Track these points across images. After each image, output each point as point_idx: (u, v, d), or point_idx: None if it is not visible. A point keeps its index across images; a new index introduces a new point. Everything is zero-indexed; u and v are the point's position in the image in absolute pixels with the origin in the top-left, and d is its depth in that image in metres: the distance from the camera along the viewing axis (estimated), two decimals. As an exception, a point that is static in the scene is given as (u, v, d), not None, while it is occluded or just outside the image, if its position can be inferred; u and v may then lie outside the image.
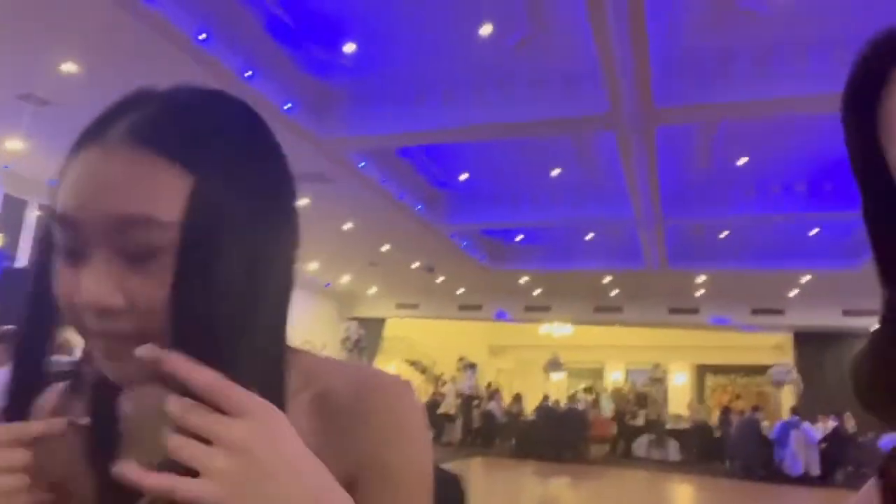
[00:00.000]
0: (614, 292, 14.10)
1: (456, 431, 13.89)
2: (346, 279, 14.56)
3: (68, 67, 5.85)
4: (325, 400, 0.55)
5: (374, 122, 6.88)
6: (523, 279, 13.63)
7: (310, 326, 14.01)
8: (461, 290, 14.92)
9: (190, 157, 0.48)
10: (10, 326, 5.26)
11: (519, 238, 12.10)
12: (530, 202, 9.74)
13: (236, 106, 0.54)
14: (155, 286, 0.47)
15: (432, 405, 14.06)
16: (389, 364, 16.26)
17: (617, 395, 15.60)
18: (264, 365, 0.49)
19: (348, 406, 0.55)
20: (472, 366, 15.22)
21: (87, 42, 5.52)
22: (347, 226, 10.29)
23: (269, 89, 6.18)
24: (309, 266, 13.21)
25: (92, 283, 0.47)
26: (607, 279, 13.19)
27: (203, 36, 5.35)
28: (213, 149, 0.50)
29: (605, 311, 14.85)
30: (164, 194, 0.47)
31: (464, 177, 9.47)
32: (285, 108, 6.45)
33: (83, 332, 0.50)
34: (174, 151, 0.48)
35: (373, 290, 15.50)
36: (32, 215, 9.31)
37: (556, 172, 8.95)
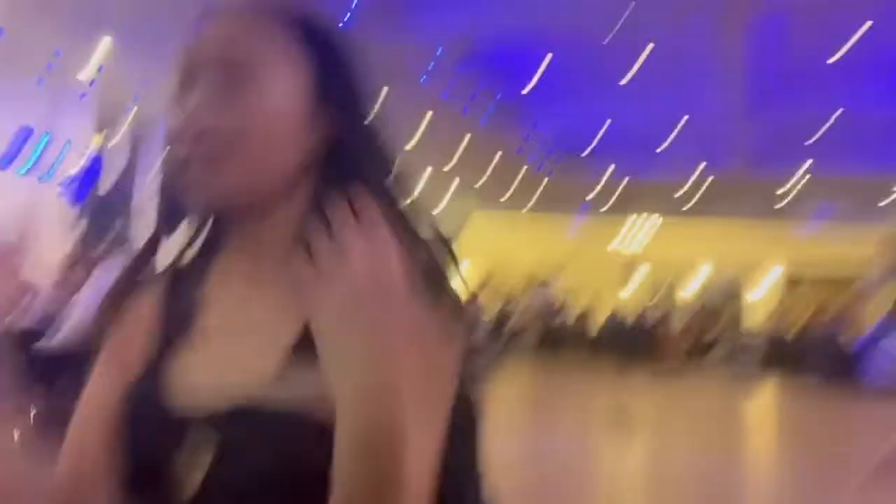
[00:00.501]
0: (699, 194, 13.34)
1: (524, 345, 14.09)
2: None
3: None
4: None
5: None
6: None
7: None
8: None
9: (293, 26, 0.63)
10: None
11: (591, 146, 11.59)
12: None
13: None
14: (249, 114, 0.60)
15: (500, 320, 14.24)
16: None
17: (692, 306, 15.29)
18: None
19: None
20: (546, 284, 15.15)
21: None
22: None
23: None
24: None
25: (193, 104, 0.60)
26: (692, 180, 12.48)
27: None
28: (311, 27, 0.64)
29: (690, 213, 14.16)
30: (266, 43, 0.62)
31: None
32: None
33: (181, 161, 0.61)
34: (280, 20, 0.63)
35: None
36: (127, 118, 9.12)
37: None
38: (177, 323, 0.64)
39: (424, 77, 7.86)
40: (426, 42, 6.87)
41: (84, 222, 7.50)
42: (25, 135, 7.45)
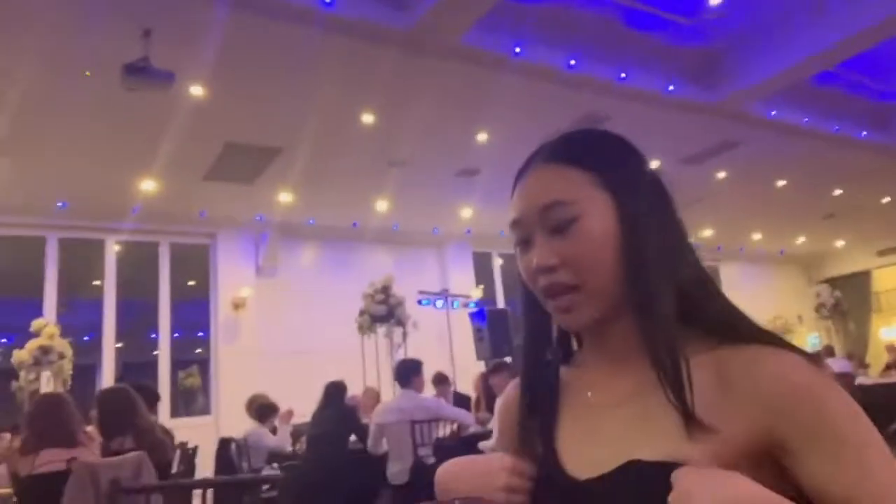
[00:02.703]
0: None
1: None
2: (800, 240, 12.84)
3: (482, 138, 6.71)
4: (723, 363, 0.66)
5: (771, 60, 6.02)
6: None
7: (777, 298, 12.72)
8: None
9: (584, 161, 0.74)
10: (505, 359, 6.25)
11: None
12: None
13: (605, 133, 0.79)
14: (576, 246, 0.70)
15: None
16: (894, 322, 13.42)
17: None
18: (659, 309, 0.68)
19: (740, 371, 0.65)
20: None
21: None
22: (781, 183, 9.11)
23: (646, 81, 6.04)
24: (753, 237, 12.09)
25: (536, 254, 0.72)
26: None
27: (573, 62, 5.60)
28: (596, 155, 0.75)
29: None
30: (571, 185, 0.72)
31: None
32: (668, 90, 6.19)
33: (542, 295, 0.74)
34: (573, 160, 0.74)
35: (840, 243, 13.28)
36: (497, 263, 10.91)
37: None
38: (544, 406, 0.79)
39: (774, 112, 7.04)
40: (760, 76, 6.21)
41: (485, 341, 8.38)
42: (428, 299, 9.09)
